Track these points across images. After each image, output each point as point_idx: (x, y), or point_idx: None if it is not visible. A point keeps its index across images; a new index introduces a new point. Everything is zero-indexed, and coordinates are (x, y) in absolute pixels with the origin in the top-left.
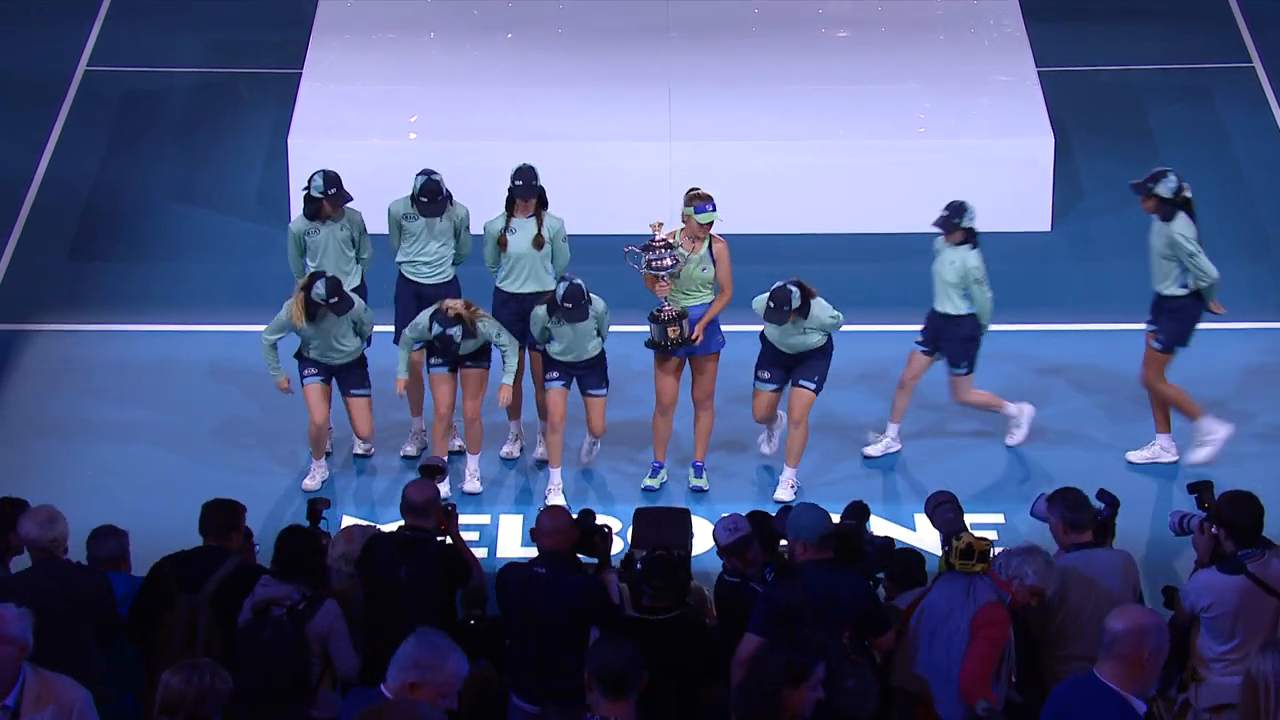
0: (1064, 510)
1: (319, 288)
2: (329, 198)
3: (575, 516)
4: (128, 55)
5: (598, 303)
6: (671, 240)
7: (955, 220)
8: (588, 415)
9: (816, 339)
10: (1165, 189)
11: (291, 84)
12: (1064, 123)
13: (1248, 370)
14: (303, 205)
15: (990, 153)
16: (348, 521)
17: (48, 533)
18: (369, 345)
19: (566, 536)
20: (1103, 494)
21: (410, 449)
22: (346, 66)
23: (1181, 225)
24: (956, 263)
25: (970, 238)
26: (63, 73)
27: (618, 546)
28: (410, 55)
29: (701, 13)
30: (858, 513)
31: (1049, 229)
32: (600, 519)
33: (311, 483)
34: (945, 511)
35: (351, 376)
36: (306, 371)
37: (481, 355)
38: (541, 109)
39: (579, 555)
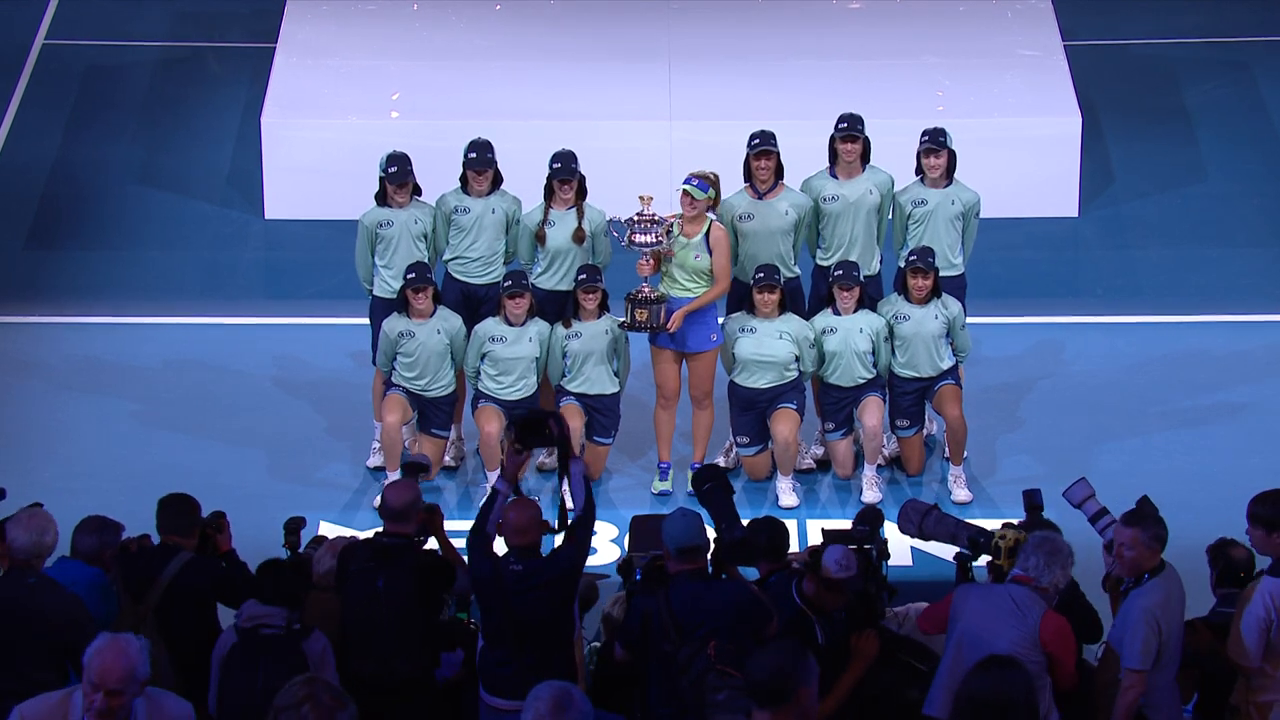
0: (1155, 528)
1: (410, 274)
2: (390, 176)
3: (517, 434)
4: (89, 27)
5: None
6: (662, 219)
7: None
8: (585, 457)
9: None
10: None
11: (265, 58)
12: (1093, 100)
13: None
14: (375, 194)
15: (1013, 132)
16: (324, 531)
17: (35, 546)
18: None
19: (535, 531)
20: (1031, 495)
21: (448, 459)
22: (324, 40)
23: None
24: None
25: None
26: (19, 46)
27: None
28: (392, 28)
29: None
30: (870, 518)
31: (1076, 214)
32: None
33: None
34: (939, 517)
35: (439, 416)
36: (392, 388)
37: None
38: (532, 86)
39: (538, 446)
